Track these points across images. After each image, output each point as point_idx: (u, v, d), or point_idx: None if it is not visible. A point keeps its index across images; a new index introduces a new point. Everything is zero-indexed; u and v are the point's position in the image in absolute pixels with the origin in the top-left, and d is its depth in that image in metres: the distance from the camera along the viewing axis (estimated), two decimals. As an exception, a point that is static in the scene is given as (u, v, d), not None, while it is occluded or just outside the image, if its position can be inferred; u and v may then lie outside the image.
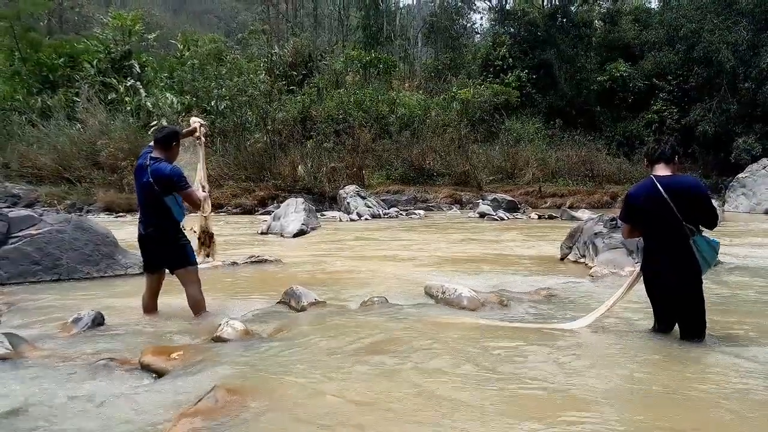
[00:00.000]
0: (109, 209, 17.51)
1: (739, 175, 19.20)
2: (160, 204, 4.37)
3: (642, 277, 3.89)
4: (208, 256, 4.88)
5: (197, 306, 4.60)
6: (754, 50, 22.66)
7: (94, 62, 25.54)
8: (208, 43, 28.94)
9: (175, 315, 4.65)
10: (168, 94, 24.04)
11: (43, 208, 15.29)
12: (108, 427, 2.54)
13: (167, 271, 4.63)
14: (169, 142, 4.49)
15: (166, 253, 4.52)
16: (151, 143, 4.55)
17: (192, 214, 4.86)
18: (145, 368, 3.27)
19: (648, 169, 3.81)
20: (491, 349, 3.57)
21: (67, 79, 25.24)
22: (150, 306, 4.68)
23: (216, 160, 19.94)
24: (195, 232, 4.77)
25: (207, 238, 4.91)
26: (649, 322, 3.98)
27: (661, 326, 3.86)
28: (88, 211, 16.95)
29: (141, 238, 4.55)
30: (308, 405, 2.69)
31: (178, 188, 4.35)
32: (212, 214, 5.00)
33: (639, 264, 4.00)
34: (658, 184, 3.59)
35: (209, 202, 4.84)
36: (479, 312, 4.65)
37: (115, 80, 24.50)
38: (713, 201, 4.11)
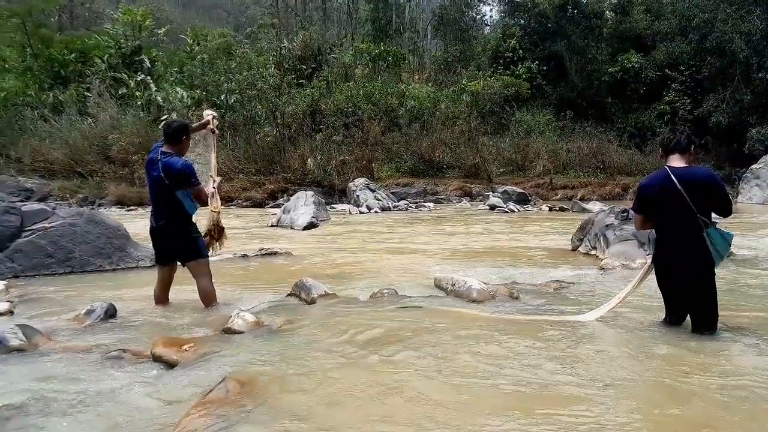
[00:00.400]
0: (121, 203, 17.64)
1: (753, 166, 18.99)
2: (171, 197, 4.40)
3: (654, 269, 3.86)
4: (211, 248, 4.89)
5: (208, 298, 4.64)
6: (767, 40, 22.34)
7: (105, 57, 25.64)
8: (217, 37, 28.99)
9: (187, 307, 4.68)
10: (178, 89, 24.11)
11: (56, 202, 15.45)
12: (120, 417, 2.56)
13: (179, 263, 4.66)
14: (179, 136, 4.51)
15: (178, 245, 4.56)
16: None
17: (203, 208, 4.88)
18: (157, 359, 3.29)
19: (662, 159, 3.77)
20: (497, 342, 3.56)
21: (78, 75, 25.37)
22: (161, 298, 4.72)
23: (226, 154, 19.99)
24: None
25: (217, 232, 4.93)
26: (661, 314, 3.95)
27: (673, 318, 3.83)
28: (99, 205, 17.08)
29: (153, 231, 4.59)
30: (318, 397, 2.70)
31: (188, 184, 4.38)
32: (222, 207, 5.02)
33: (651, 256, 3.97)
34: (673, 175, 3.56)
35: (218, 196, 4.85)
36: (489, 304, 4.64)
37: (125, 75, 24.60)
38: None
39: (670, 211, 3.60)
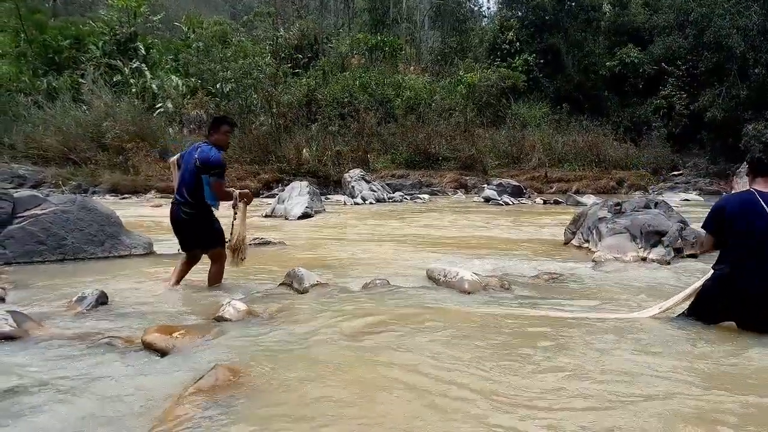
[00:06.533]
0: (115, 191, 17.59)
1: (748, 162, 19.02)
2: (198, 184, 4.62)
3: (714, 287, 3.64)
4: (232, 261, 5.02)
5: (218, 279, 4.99)
6: (764, 35, 22.37)
7: (100, 44, 25.48)
8: (213, 25, 28.81)
9: (179, 294, 4.68)
10: (173, 77, 24.02)
11: (49, 189, 15.39)
12: (109, 405, 2.56)
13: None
14: (215, 124, 4.81)
15: (203, 234, 4.81)
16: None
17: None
18: (148, 347, 3.28)
19: (748, 178, 3.67)
20: (487, 334, 3.58)
21: (72, 61, 25.20)
22: (177, 279, 4.90)
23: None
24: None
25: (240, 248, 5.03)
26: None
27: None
28: (93, 193, 17.02)
29: (179, 222, 4.78)
30: (307, 386, 2.70)
31: (207, 171, 4.57)
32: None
33: (713, 272, 3.72)
34: (762, 201, 3.45)
35: (243, 216, 4.94)
36: (480, 295, 4.66)
37: (120, 62, 24.45)
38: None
39: (757, 236, 3.44)
